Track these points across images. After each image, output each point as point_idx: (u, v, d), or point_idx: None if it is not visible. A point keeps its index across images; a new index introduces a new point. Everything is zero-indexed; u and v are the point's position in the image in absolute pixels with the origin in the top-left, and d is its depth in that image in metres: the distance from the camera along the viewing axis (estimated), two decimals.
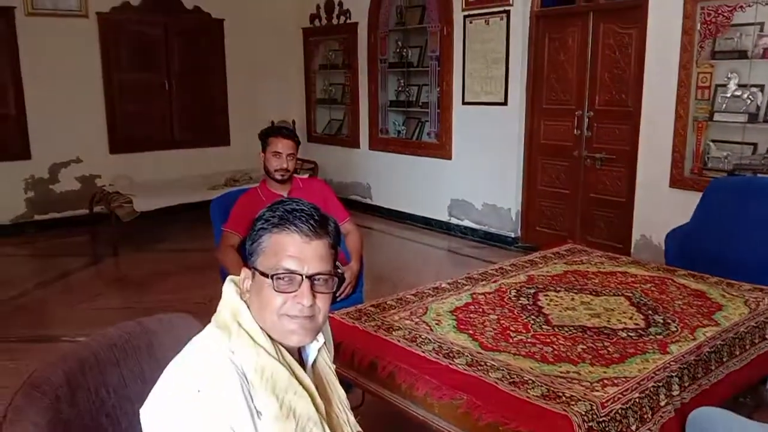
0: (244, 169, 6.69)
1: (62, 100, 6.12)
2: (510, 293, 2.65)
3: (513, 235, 5.53)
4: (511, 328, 2.28)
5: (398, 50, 6.56)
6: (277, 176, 2.99)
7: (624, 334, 2.23)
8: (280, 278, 1.16)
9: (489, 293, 2.66)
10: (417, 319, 2.37)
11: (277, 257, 1.17)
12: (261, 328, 1.18)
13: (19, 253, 5.66)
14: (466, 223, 5.91)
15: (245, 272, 1.23)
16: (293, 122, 7.69)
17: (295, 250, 1.17)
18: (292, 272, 1.16)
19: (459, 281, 2.81)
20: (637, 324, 2.33)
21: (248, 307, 1.20)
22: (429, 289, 2.72)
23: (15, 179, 6.06)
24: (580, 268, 3.01)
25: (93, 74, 6.32)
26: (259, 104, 7.41)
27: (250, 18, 7.16)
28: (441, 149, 6.09)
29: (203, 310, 1.37)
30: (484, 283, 2.79)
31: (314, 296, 1.18)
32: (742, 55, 4.00)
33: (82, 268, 5.17)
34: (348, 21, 6.90)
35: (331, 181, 7.38)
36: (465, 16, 5.61)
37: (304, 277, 1.17)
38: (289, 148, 3.00)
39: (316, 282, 1.18)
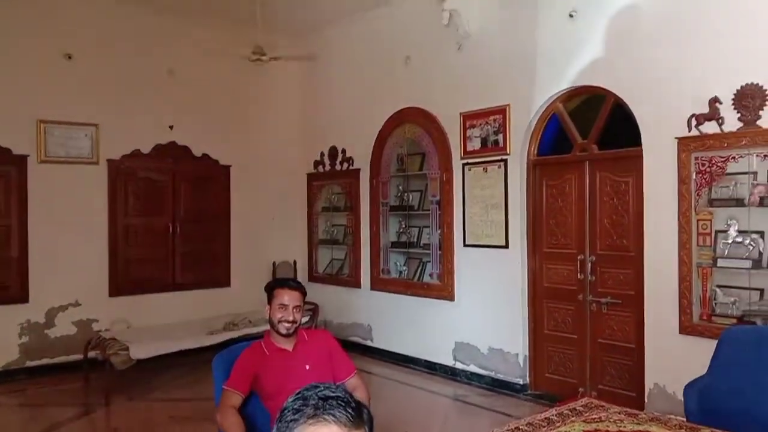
0: (243, 312, 6.60)
1: (65, 243, 6.17)
2: None
3: (522, 382, 5.34)
4: None
5: (399, 194, 6.73)
6: (282, 330, 2.91)
7: None
8: None
9: None
10: None
11: None
12: None
13: (7, 402, 5.42)
14: (472, 368, 5.73)
15: None
16: (294, 263, 7.73)
17: None
18: None
19: None
20: None
21: None
22: None
23: (10, 324, 5.95)
24: (600, 427, 2.86)
25: (99, 218, 6.43)
26: (261, 246, 7.49)
27: (256, 164, 7.44)
28: (443, 290, 6.05)
29: None
30: None
31: None
32: (739, 202, 4.09)
33: (72, 419, 4.93)
34: (351, 167, 7.15)
35: (331, 322, 7.28)
36: (464, 164, 5.82)
37: None
38: (296, 300, 2.96)
39: None
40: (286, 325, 2.91)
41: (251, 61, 6.22)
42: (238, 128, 7.34)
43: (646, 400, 4.49)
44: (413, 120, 6.38)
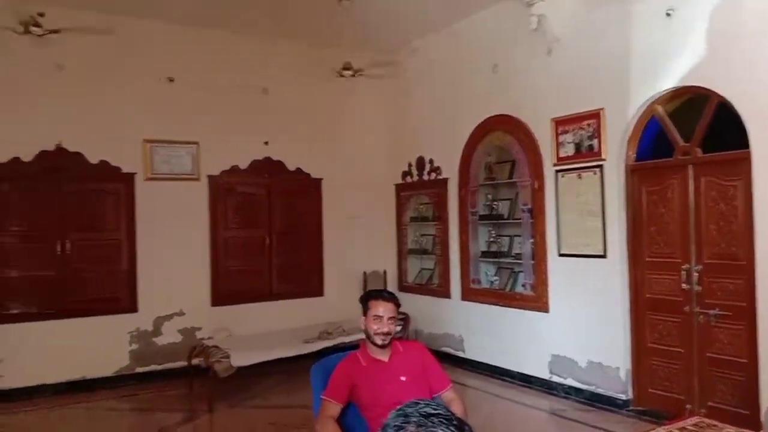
0: (337, 321, 6.72)
1: (170, 256, 6.53)
2: None
3: (624, 397, 5.11)
4: None
5: (488, 203, 6.65)
6: (378, 340, 2.94)
7: None
8: None
9: None
10: None
11: None
12: None
13: (119, 406, 5.78)
14: (570, 381, 5.55)
15: None
16: (384, 272, 7.80)
17: None
18: None
19: None
20: None
21: None
22: None
23: (121, 332, 6.34)
24: None
25: (200, 231, 6.76)
26: (352, 256, 7.61)
27: (346, 176, 7.58)
28: (537, 301, 5.91)
29: None
30: None
31: None
32: None
33: (178, 423, 5.19)
34: (438, 177, 7.14)
35: (422, 332, 7.28)
36: (557, 171, 5.66)
37: None
38: (390, 311, 2.98)
39: None
40: (382, 336, 2.94)
41: (340, 77, 6.37)
42: (329, 142, 7.53)
43: (762, 419, 4.17)
44: (502, 128, 6.29)
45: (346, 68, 6.38)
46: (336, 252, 7.58)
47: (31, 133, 5.91)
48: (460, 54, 6.76)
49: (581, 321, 5.44)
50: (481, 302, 6.57)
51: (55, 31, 5.20)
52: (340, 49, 6.62)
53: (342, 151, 7.61)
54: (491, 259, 6.67)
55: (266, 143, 7.12)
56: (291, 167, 7.31)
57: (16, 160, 5.87)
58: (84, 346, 6.07)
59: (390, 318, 2.96)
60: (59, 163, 6.04)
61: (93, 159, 6.21)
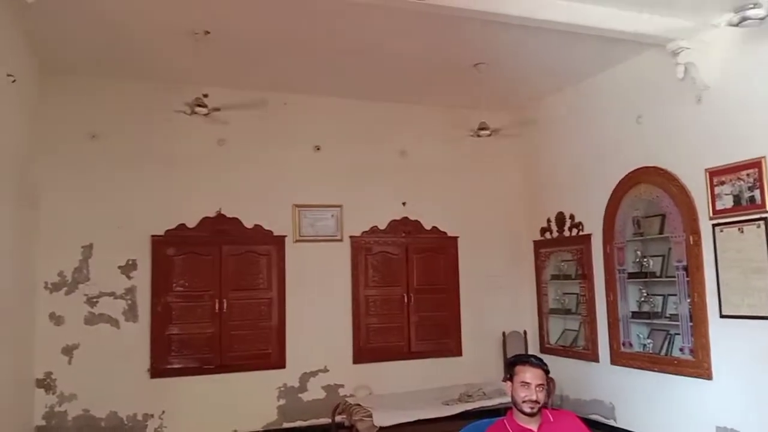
0: (477, 383, 6.59)
1: (315, 313, 6.81)
2: None
3: None
4: None
5: (638, 260, 6.28)
6: (526, 408, 2.84)
7: None
8: None
9: None
10: None
11: None
12: None
13: None
14: None
15: None
16: (525, 333, 7.56)
17: None
18: None
19: None
20: None
21: None
22: None
23: (271, 387, 6.63)
24: None
25: (343, 290, 7.01)
26: (490, 315, 7.50)
27: (482, 234, 7.57)
28: (698, 367, 5.41)
29: None
30: None
31: None
32: None
33: None
34: (580, 233, 6.89)
35: (568, 398, 6.91)
36: (713, 225, 5.26)
37: None
38: (539, 378, 2.88)
39: None
40: (530, 403, 2.84)
41: (476, 137, 6.45)
42: (465, 200, 7.59)
43: None
44: (649, 180, 5.98)
45: (482, 128, 6.44)
46: (474, 311, 7.49)
47: (196, 201, 6.54)
48: (601, 106, 6.59)
49: (751, 390, 4.89)
50: (633, 367, 6.12)
51: (216, 109, 5.78)
52: (476, 110, 6.74)
53: (478, 209, 7.62)
54: (643, 320, 6.23)
55: (404, 204, 7.32)
56: (427, 226, 7.43)
57: (182, 226, 6.49)
58: (237, 400, 6.42)
59: (538, 385, 2.86)
60: (219, 228, 6.60)
61: (248, 224, 6.72)
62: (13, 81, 4.60)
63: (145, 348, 6.24)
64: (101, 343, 6.09)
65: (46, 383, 5.92)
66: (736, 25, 4.51)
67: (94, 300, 6.15)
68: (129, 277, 6.28)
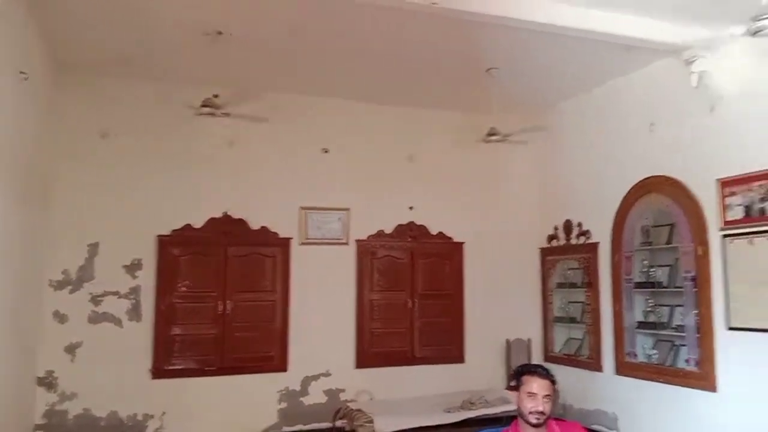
0: (479, 390, 6.56)
1: (319, 317, 6.76)
2: None
3: None
4: None
5: (645, 269, 6.22)
6: (533, 420, 2.80)
7: None
8: None
9: None
10: None
11: None
12: None
13: None
14: None
15: None
16: (529, 341, 7.51)
17: None
18: None
19: None
20: None
21: None
22: None
23: (272, 390, 6.58)
24: None
25: (348, 294, 6.97)
26: (494, 322, 7.43)
27: (488, 240, 7.51)
28: (703, 379, 5.35)
29: None
30: None
31: None
32: None
33: None
34: (588, 241, 6.84)
35: (571, 407, 6.85)
36: (723, 236, 5.21)
37: None
38: (546, 389, 2.84)
39: None
40: (536, 414, 2.80)
41: (485, 143, 6.41)
42: (471, 206, 7.54)
43: None
44: (659, 189, 5.93)
45: (491, 134, 6.41)
46: (478, 317, 7.44)
47: (203, 202, 6.52)
48: (613, 113, 6.54)
49: (755, 402, 4.83)
50: (638, 377, 6.07)
51: (227, 114, 5.78)
52: (486, 115, 6.70)
53: (484, 215, 7.57)
54: (649, 331, 6.17)
55: (411, 208, 7.29)
56: (433, 231, 7.39)
57: (188, 227, 6.47)
58: (237, 402, 6.38)
59: (545, 396, 2.82)
60: (225, 229, 6.57)
61: (254, 225, 6.69)
62: (26, 78, 4.59)
63: (148, 348, 6.21)
64: (104, 342, 6.06)
65: (47, 381, 5.89)
66: (753, 34, 4.46)
67: (99, 299, 6.12)
68: (134, 277, 6.26)
